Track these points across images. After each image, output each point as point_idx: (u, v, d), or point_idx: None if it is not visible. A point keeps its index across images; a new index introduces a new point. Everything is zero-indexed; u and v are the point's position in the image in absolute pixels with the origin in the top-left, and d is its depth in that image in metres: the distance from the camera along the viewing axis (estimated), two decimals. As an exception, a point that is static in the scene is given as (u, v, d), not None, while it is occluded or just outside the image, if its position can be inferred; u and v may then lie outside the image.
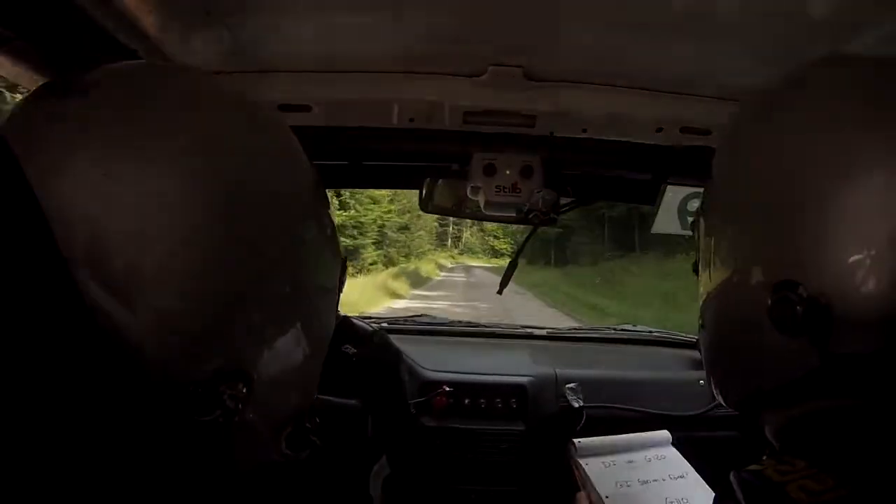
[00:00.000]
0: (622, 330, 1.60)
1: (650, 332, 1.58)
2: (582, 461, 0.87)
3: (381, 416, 0.76)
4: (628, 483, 0.85)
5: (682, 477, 0.89)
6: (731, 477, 0.41)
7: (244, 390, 0.37)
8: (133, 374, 0.33)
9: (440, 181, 1.05)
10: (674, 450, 0.96)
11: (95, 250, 0.33)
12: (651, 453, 0.93)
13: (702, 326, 0.52)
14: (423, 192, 1.05)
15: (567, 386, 1.16)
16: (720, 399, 0.52)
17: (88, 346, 0.31)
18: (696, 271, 0.54)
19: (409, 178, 1.06)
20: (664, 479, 0.88)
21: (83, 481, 0.30)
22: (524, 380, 1.19)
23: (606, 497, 0.80)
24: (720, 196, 0.49)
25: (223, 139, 0.38)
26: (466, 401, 1.16)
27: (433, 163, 1.00)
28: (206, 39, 0.73)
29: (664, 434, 0.99)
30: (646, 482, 0.86)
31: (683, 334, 1.51)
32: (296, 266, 0.41)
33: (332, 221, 0.48)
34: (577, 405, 1.14)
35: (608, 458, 0.89)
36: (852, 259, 0.38)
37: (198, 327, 0.36)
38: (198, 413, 0.36)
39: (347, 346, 0.72)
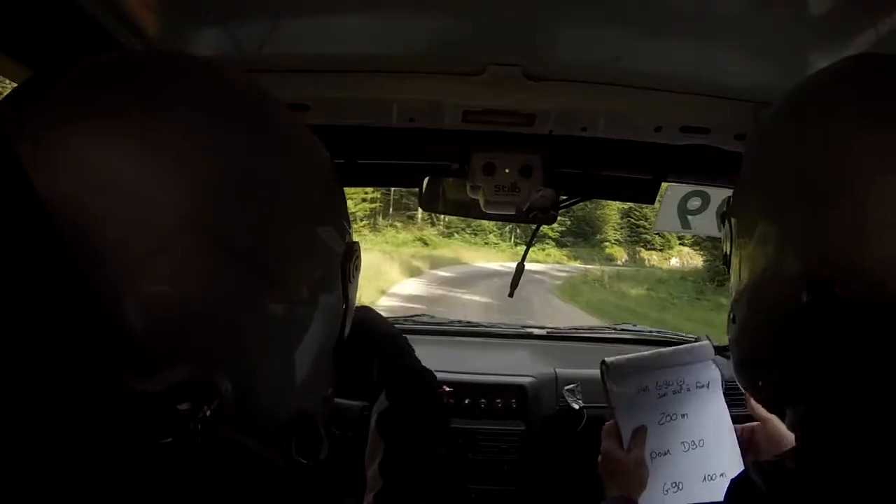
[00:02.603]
0: (622, 329, 1.61)
1: (650, 331, 1.58)
2: (614, 386, 0.81)
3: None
4: (654, 421, 0.80)
5: (714, 414, 0.82)
6: (751, 467, 0.41)
7: (209, 408, 0.32)
8: (98, 380, 0.30)
9: (440, 180, 1.05)
10: (716, 372, 0.86)
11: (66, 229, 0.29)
12: (691, 378, 0.85)
13: (732, 321, 0.52)
14: (423, 191, 1.06)
15: (566, 388, 1.16)
16: (746, 390, 0.52)
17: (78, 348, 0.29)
18: (726, 265, 0.54)
19: (408, 178, 1.06)
20: (688, 416, 0.82)
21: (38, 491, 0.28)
22: (524, 380, 1.19)
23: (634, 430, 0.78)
24: (754, 194, 0.49)
25: (212, 134, 0.35)
26: (466, 401, 1.16)
27: (433, 162, 1.00)
28: (205, 39, 0.73)
29: (704, 349, 0.87)
30: (671, 417, 0.81)
31: (683, 334, 1.51)
32: (282, 264, 0.37)
33: (337, 215, 0.44)
34: (576, 406, 1.14)
35: (641, 381, 0.83)
36: (890, 259, 0.38)
37: (142, 328, 0.31)
38: (154, 434, 0.31)
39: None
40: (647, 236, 24.03)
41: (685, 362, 0.86)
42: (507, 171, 0.91)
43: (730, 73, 0.77)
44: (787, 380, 0.46)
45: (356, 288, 0.46)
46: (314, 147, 0.43)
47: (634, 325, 1.68)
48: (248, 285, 0.35)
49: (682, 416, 0.82)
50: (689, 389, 0.84)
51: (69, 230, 0.29)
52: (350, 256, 0.44)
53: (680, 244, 23.07)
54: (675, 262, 22.46)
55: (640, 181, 1.00)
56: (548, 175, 0.93)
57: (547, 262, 21.23)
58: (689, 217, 1.03)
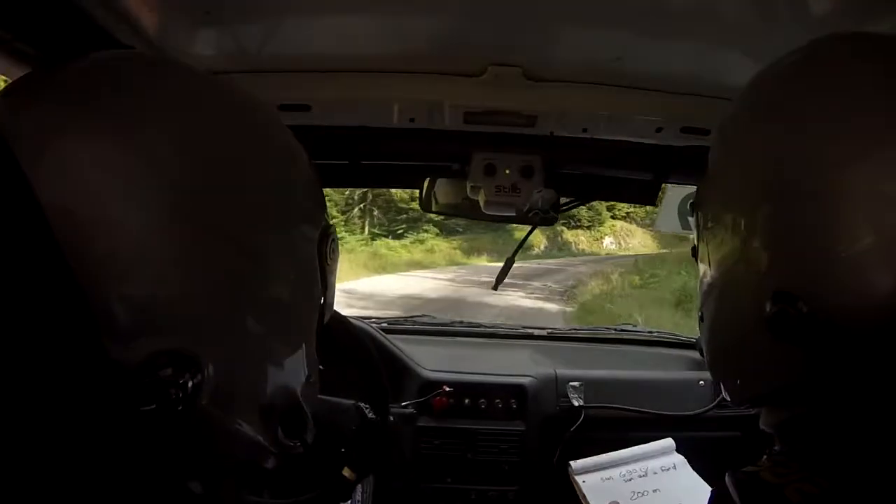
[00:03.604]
0: (622, 330, 1.62)
1: (650, 332, 1.59)
2: (579, 478, 0.89)
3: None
4: (626, 497, 0.86)
5: (689, 487, 0.89)
6: (727, 478, 0.41)
7: (191, 379, 0.34)
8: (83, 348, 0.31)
9: (440, 181, 1.05)
10: (680, 458, 0.96)
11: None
12: (655, 464, 0.93)
13: (701, 319, 0.51)
14: (423, 191, 1.05)
15: (570, 384, 1.17)
16: (723, 392, 0.51)
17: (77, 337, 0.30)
18: (695, 257, 0.53)
19: (409, 178, 1.06)
20: (661, 490, 0.88)
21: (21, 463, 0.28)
22: (524, 380, 1.19)
23: None
24: (716, 194, 0.48)
25: (199, 134, 0.38)
26: (466, 401, 1.16)
27: (433, 162, 1.00)
28: (206, 39, 0.73)
29: (666, 443, 0.99)
30: (643, 494, 0.87)
31: (683, 335, 1.51)
32: (262, 246, 0.39)
33: (314, 203, 0.46)
34: (577, 403, 1.14)
35: (605, 473, 0.92)
36: (853, 274, 0.37)
37: (130, 298, 0.33)
38: (136, 402, 0.32)
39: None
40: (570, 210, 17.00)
41: (647, 457, 0.96)
42: (507, 171, 0.91)
43: (730, 73, 0.77)
44: (758, 384, 0.45)
45: (335, 270, 0.48)
46: (289, 142, 0.46)
47: (634, 326, 1.68)
48: (228, 264, 0.37)
49: (654, 490, 0.89)
50: (655, 473, 0.93)
51: (51, 208, 0.30)
52: (326, 239, 0.46)
53: (612, 217, 16.68)
54: (608, 242, 16.77)
55: (641, 182, 1.00)
56: (548, 176, 0.93)
57: (435, 264, 12.28)
58: (690, 218, 1.03)
